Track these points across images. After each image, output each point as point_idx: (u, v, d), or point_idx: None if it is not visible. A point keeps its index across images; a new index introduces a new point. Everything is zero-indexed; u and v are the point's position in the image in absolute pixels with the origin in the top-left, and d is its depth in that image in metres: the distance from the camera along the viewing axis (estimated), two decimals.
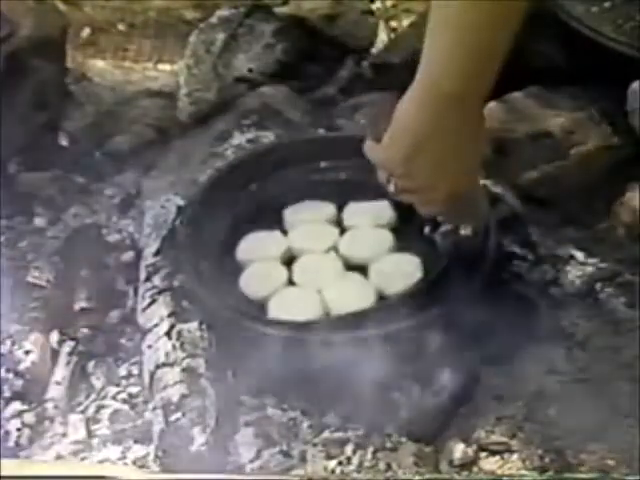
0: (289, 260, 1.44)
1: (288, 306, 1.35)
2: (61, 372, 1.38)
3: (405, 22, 1.95)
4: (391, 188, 1.28)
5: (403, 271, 1.38)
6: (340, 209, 1.50)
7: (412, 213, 1.39)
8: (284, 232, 1.48)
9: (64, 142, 1.76)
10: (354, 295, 1.36)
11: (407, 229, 1.45)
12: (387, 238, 1.44)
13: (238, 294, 1.40)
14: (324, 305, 1.36)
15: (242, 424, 1.31)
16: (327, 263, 1.43)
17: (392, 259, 1.42)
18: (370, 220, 1.47)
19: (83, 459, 1.28)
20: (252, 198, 1.52)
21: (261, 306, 1.37)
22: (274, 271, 1.42)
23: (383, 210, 1.47)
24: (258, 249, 1.46)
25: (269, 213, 1.50)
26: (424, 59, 1.17)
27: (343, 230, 1.47)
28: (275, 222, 1.49)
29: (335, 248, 1.44)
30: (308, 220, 1.49)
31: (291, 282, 1.41)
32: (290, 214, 1.50)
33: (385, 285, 1.37)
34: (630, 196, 1.51)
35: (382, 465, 1.25)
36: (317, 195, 1.51)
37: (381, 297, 1.36)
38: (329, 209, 1.50)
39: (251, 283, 1.41)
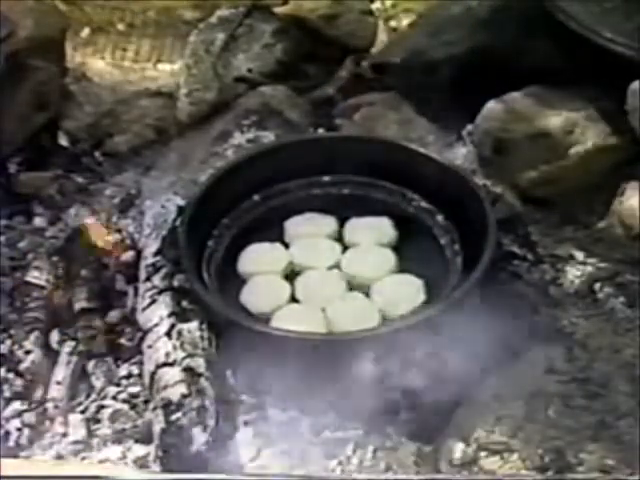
0: (290, 274, 1.44)
1: (291, 323, 1.34)
2: (61, 372, 1.38)
3: (405, 22, 1.95)
4: None
5: (406, 294, 1.39)
6: (341, 223, 1.50)
7: (412, 232, 1.42)
8: (285, 244, 1.48)
9: (64, 142, 1.76)
10: (358, 316, 1.36)
11: (408, 248, 1.46)
12: (389, 258, 1.44)
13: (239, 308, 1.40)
14: (328, 324, 1.36)
15: (242, 424, 1.31)
16: (330, 281, 1.42)
17: (394, 280, 1.42)
18: (372, 238, 1.47)
19: (83, 459, 1.29)
20: (254, 208, 1.52)
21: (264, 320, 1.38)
22: (276, 286, 1.42)
23: (384, 228, 1.48)
24: (260, 262, 1.45)
25: (270, 223, 1.50)
26: None
27: (344, 246, 1.47)
28: (276, 233, 1.49)
29: (337, 266, 1.44)
30: (309, 234, 1.48)
31: (293, 298, 1.41)
32: (291, 226, 1.50)
33: (388, 307, 1.37)
34: (630, 196, 1.51)
35: (382, 465, 1.25)
36: (318, 208, 1.51)
37: (384, 318, 1.36)
38: (331, 223, 1.50)
39: (253, 298, 1.40)
